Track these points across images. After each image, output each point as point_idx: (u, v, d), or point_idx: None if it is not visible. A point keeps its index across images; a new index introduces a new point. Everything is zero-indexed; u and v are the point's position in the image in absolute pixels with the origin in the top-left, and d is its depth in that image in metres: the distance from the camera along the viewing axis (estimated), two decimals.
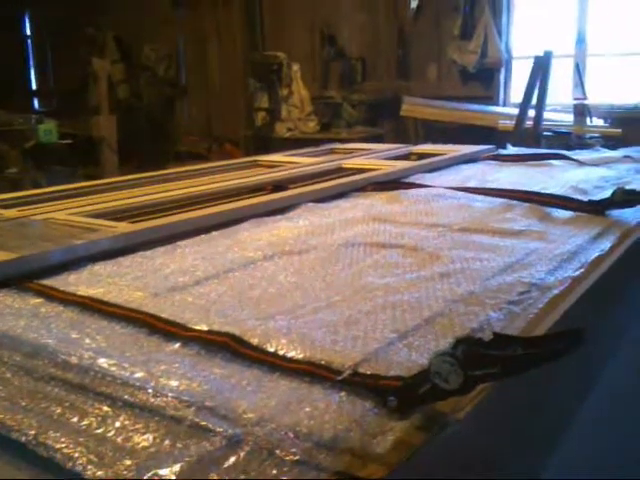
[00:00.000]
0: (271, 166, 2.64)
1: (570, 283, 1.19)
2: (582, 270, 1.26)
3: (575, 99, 5.72)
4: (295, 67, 7.10)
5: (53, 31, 10.34)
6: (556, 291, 1.14)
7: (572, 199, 1.83)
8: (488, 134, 5.55)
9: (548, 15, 6.49)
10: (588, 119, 5.58)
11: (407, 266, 1.29)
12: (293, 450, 0.66)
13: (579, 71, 5.86)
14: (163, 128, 8.27)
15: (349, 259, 1.34)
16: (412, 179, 2.28)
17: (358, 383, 0.78)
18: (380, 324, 0.97)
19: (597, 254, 1.37)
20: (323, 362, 0.83)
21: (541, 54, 5.37)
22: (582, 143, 5.11)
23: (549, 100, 5.52)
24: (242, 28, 7.99)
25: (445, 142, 3.36)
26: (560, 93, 6.08)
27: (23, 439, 0.71)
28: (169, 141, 8.19)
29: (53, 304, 1.10)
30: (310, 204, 1.88)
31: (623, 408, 1.55)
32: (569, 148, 4.44)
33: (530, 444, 1.01)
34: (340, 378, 0.79)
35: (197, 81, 8.75)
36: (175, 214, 1.72)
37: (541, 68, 5.32)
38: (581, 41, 6.35)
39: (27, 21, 11.20)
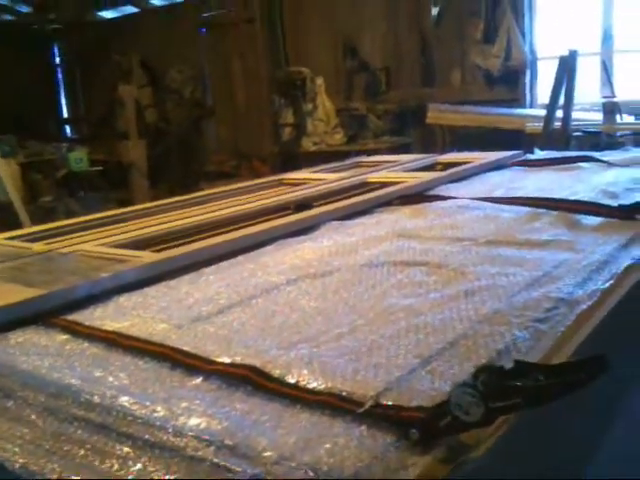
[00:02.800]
0: (296, 184, 2.64)
1: (599, 296, 1.15)
2: (612, 282, 1.22)
3: (604, 97, 5.63)
4: (319, 81, 7.13)
5: (81, 59, 10.56)
6: (584, 306, 1.11)
7: (601, 205, 1.79)
8: (516, 137, 5.48)
9: (572, 13, 6.41)
10: (618, 116, 5.48)
11: (431, 284, 1.27)
12: None
13: (606, 69, 5.76)
14: (192, 149, 8.36)
15: (372, 280, 1.33)
16: (438, 190, 2.26)
17: (380, 415, 0.76)
18: (403, 349, 0.96)
19: (628, 263, 1.33)
20: (344, 393, 0.82)
21: (566, 53, 5.30)
22: (613, 141, 5.01)
23: (577, 99, 5.44)
24: (265, 46, 8.05)
25: (473, 148, 3.33)
26: (588, 91, 5.99)
27: None
28: (198, 161, 8.27)
29: (78, 340, 1.11)
30: (334, 222, 1.87)
31: None
32: (600, 147, 4.36)
33: (557, 474, 0.98)
34: (361, 410, 0.77)
35: (223, 100, 8.84)
36: (200, 239, 1.73)
37: (567, 68, 5.24)
38: (608, 38, 6.25)
39: (56, 50, 11.46)
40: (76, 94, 11.31)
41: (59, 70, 11.56)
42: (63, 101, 11.58)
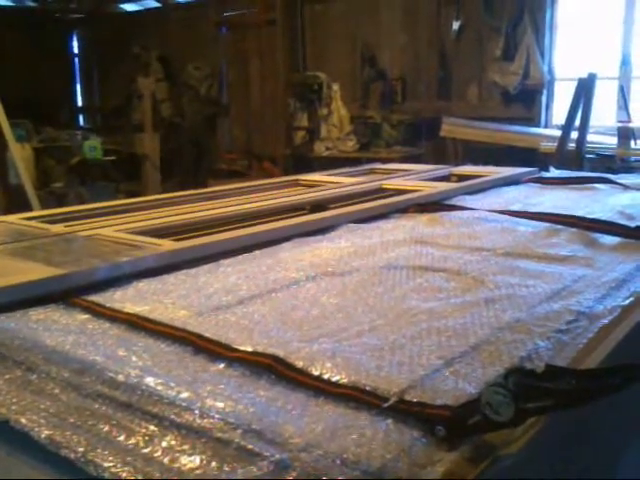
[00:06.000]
0: (312, 185, 2.65)
1: (620, 312, 1.16)
2: (631, 299, 1.23)
3: (619, 122, 5.64)
4: (335, 87, 7.16)
5: (99, 50, 10.61)
6: (605, 320, 1.11)
7: (619, 225, 1.79)
8: (529, 156, 5.49)
9: (592, 36, 6.43)
10: (632, 142, 5.49)
11: (451, 290, 1.27)
12: (341, 478, 0.65)
13: (624, 93, 5.78)
14: (204, 146, 8.38)
15: (391, 282, 1.33)
16: (453, 201, 2.26)
17: (405, 411, 0.77)
18: (425, 350, 0.96)
19: None
20: (368, 388, 0.83)
21: (585, 76, 5.31)
22: (626, 166, 5.02)
23: (593, 122, 5.45)
24: (284, 49, 8.08)
25: (485, 163, 3.33)
26: (604, 115, 6.00)
27: (72, 456, 0.71)
28: (209, 158, 8.29)
29: (100, 321, 1.11)
30: (351, 225, 1.87)
31: None
32: (613, 171, 4.36)
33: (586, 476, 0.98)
34: (386, 405, 0.78)
35: (238, 100, 8.87)
36: (218, 232, 1.74)
37: (584, 90, 5.25)
38: (626, 63, 6.27)
39: (75, 40, 11.51)
40: (91, 84, 11.36)
41: (77, 59, 11.60)
42: (78, 90, 11.62)
